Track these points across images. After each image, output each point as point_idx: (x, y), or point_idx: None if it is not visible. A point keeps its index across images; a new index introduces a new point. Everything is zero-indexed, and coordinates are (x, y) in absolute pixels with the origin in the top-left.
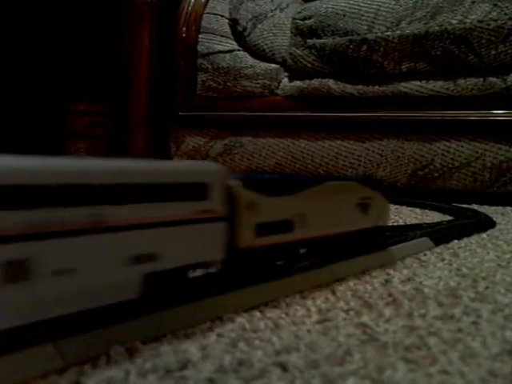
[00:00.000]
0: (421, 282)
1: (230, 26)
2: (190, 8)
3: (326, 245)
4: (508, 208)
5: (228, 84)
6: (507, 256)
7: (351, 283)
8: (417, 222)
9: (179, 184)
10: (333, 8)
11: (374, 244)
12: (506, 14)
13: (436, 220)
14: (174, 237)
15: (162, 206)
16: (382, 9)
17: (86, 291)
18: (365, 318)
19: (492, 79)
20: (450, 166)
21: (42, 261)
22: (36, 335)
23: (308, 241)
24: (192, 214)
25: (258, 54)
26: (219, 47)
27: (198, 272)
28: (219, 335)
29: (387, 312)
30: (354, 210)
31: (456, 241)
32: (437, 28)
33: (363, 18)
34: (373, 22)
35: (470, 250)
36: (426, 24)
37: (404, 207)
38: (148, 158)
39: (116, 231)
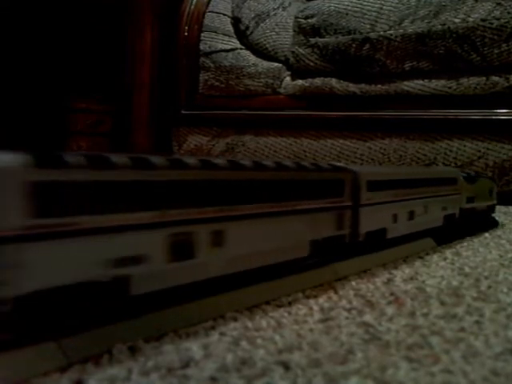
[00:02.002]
0: (423, 281)
1: (233, 24)
2: (192, 7)
3: (478, 213)
4: (510, 207)
5: (230, 83)
6: (510, 255)
7: (353, 282)
8: None
9: (449, 178)
10: (335, 7)
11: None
12: (509, 12)
13: None
14: (450, 201)
15: (446, 187)
16: (384, 7)
17: (426, 222)
18: (367, 317)
19: (495, 78)
20: (453, 165)
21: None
22: (38, 333)
23: (475, 209)
24: (452, 191)
25: (261, 52)
26: (221, 46)
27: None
28: (221, 334)
29: (389, 311)
30: (487, 193)
31: (458, 240)
32: (440, 27)
33: (366, 16)
34: (375, 21)
35: (473, 249)
36: (428, 23)
37: None
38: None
39: (436, 197)
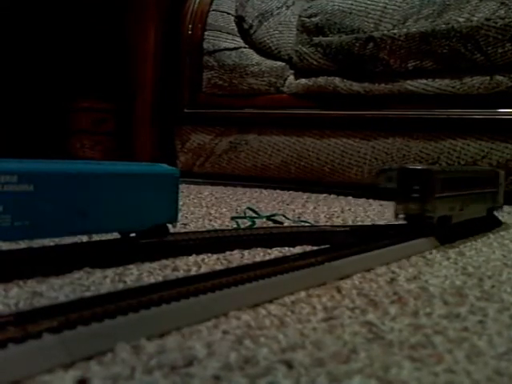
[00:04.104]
0: (426, 281)
1: (236, 23)
2: (195, 5)
3: None
4: None
5: (234, 81)
6: None
7: (357, 281)
8: None
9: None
10: (339, 6)
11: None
12: None
13: None
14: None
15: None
16: (388, 6)
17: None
18: (370, 316)
19: (499, 77)
20: (456, 164)
21: None
22: (42, 330)
23: None
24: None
25: (264, 51)
26: (225, 44)
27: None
28: (224, 332)
29: (393, 310)
30: None
31: (461, 239)
32: (443, 26)
33: (370, 15)
34: (379, 20)
35: (476, 248)
36: (432, 22)
37: None
38: (154, 155)
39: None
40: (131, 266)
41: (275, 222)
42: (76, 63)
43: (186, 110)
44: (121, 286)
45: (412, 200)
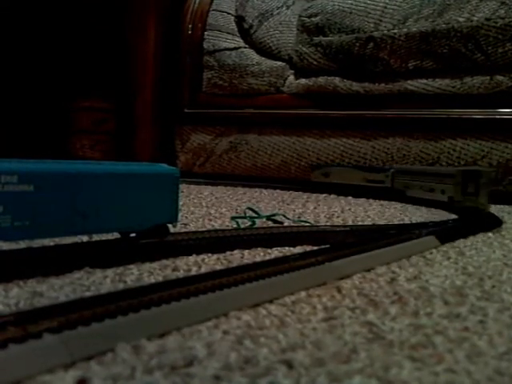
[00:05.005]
0: (427, 281)
1: (236, 23)
2: (196, 5)
3: None
4: None
5: (234, 81)
6: None
7: (357, 281)
8: (423, 220)
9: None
10: (339, 5)
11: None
12: None
13: (442, 218)
14: None
15: None
16: (388, 6)
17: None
18: (371, 316)
19: (499, 77)
20: (456, 164)
21: None
22: (42, 330)
23: None
24: None
25: (264, 51)
26: (225, 44)
27: None
28: (225, 332)
29: (393, 310)
30: None
31: (462, 239)
32: (444, 26)
33: (370, 15)
34: (379, 20)
35: (476, 248)
36: (432, 22)
37: (410, 205)
38: (154, 155)
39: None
40: (131, 266)
41: (275, 221)
42: (76, 63)
43: (186, 110)
44: (121, 285)
45: (468, 195)
